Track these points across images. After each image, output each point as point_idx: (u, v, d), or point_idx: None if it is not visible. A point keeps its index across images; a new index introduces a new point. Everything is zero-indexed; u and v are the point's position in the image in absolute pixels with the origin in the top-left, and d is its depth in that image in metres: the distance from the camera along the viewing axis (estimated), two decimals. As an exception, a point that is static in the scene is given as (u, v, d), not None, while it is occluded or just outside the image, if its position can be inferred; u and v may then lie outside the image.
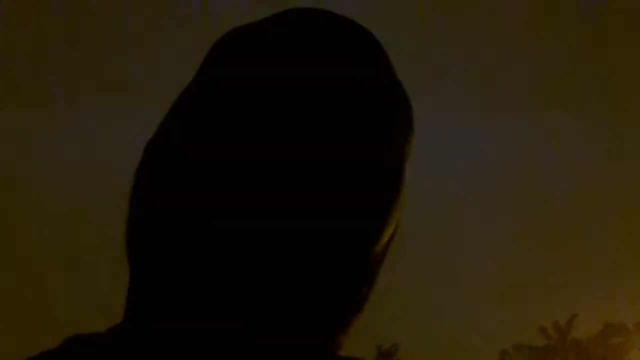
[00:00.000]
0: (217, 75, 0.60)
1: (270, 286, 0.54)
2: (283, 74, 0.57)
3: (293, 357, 0.56)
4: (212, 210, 0.54)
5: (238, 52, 0.60)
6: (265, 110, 0.56)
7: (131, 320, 0.59)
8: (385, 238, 0.60)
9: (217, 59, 0.62)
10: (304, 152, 0.55)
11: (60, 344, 0.63)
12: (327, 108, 0.56)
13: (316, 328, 0.57)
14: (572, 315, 28.36)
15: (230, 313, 0.54)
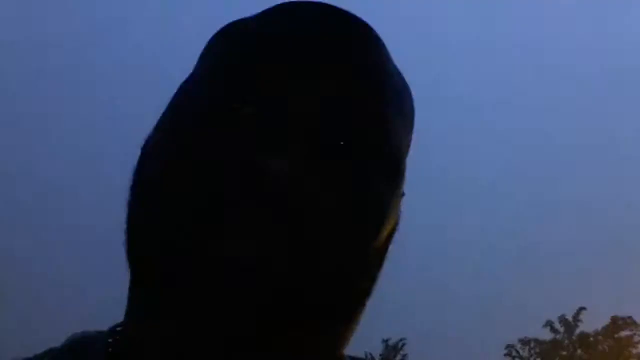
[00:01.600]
0: (214, 72, 0.59)
1: (270, 284, 0.53)
2: (278, 69, 0.57)
3: (295, 355, 0.56)
4: (212, 210, 0.54)
5: (234, 47, 0.60)
6: (263, 106, 0.55)
7: (132, 320, 0.59)
8: (386, 232, 0.59)
9: (213, 54, 0.61)
10: (301, 147, 0.54)
11: (65, 341, 0.63)
12: (325, 102, 0.56)
13: (318, 324, 0.56)
14: (579, 308, 28.32)
15: (230, 312, 0.53)
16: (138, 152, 0.61)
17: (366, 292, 0.60)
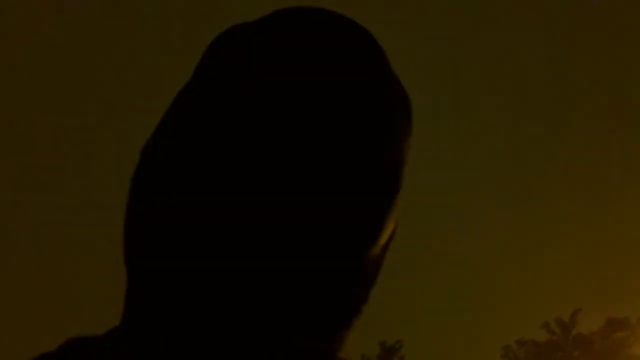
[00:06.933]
0: (214, 76, 0.59)
1: (268, 288, 0.53)
2: (278, 75, 0.57)
3: (292, 359, 0.56)
4: (210, 214, 0.54)
5: (235, 52, 0.60)
6: (263, 111, 0.55)
7: (129, 323, 0.59)
8: (384, 239, 0.59)
9: (214, 59, 0.61)
10: (301, 152, 0.54)
11: (60, 345, 0.62)
12: (324, 108, 0.56)
13: (315, 330, 0.56)
14: (575, 310, 28.37)
15: (228, 315, 0.54)
16: (138, 156, 0.61)
17: (362, 299, 0.60)
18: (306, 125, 0.55)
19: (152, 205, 0.57)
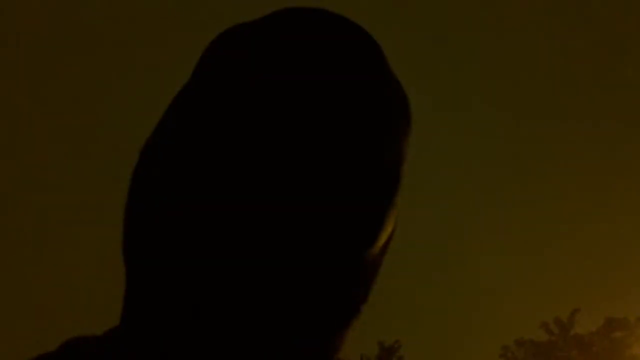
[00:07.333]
0: (213, 76, 0.59)
1: (268, 288, 0.54)
2: (278, 74, 0.56)
3: (292, 359, 0.56)
4: (210, 213, 0.54)
5: (234, 52, 0.60)
6: (262, 110, 0.55)
7: (129, 323, 0.59)
8: (383, 239, 0.59)
9: (213, 58, 0.61)
10: (300, 152, 0.54)
11: (60, 345, 0.62)
12: (324, 108, 0.56)
13: (315, 329, 0.56)
14: (573, 310, 28.38)
15: (227, 315, 0.54)
16: (137, 156, 0.61)
17: (362, 299, 0.60)
18: (306, 126, 0.55)
19: (151, 205, 0.57)
